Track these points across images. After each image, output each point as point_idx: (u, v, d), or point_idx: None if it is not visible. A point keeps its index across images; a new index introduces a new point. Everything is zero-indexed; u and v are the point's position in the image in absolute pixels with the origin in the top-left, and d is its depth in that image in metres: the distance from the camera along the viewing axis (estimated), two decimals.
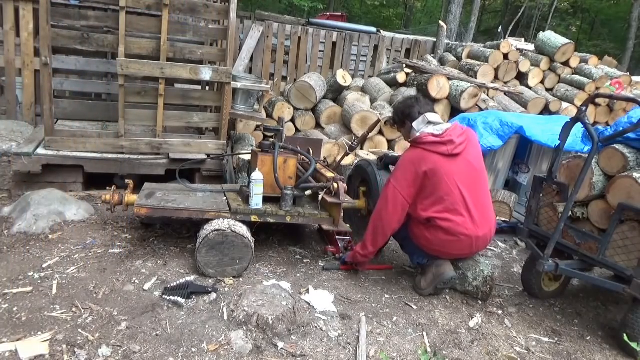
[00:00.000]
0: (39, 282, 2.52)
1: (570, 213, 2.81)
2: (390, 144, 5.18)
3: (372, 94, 5.92)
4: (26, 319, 2.19)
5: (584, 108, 2.69)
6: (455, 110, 5.43)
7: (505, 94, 5.91)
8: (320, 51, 7.07)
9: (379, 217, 2.82)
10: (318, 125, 5.56)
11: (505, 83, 6.24)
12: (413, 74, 5.96)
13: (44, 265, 2.69)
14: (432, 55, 7.32)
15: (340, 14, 14.74)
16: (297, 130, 5.44)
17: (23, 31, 5.05)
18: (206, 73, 3.92)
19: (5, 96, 5.37)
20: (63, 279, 2.57)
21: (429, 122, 2.79)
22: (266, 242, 3.32)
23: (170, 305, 2.42)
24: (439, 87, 5.37)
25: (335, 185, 2.97)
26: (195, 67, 3.88)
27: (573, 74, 6.46)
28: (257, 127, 5.08)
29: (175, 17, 4.35)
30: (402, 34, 9.65)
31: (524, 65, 6.32)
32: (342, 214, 3.08)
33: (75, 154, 3.81)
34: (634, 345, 2.00)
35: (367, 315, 2.59)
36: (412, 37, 8.28)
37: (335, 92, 5.91)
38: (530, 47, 6.89)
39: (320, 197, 3.14)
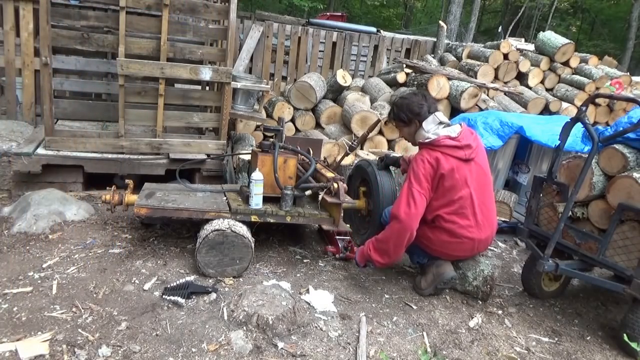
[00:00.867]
0: (39, 282, 2.52)
1: (570, 213, 2.81)
2: (390, 144, 5.18)
3: (372, 94, 5.91)
4: (26, 319, 2.19)
5: (584, 108, 2.69)
6: (455, 110, 5.43)
7: (505, 94, 5.91)
8: (320, 51, 7.07)
9: (407, 223, 2.59)
10: (318, 125, 5.56)
11: (505, 83, 6.24)
12: (413, 74, 5.95)
13: (44, 265, 2.69)
14: (432, 55, 7.32)
15: (340, 14, 14.74)
16: (297, 130, 5.44)
17: (23, 31, 5.05)
18: (206, 73, 3.92)
19: (5, 96, 5.37)
20: (63, 279, 2.57)
21: (440, 123, 2.73)
22: (266, 242, 3.32)
23: (170, 305, 2.42)
24: (439, 87, 5.37)
25: (335, 185, 2.97)
26: (195, 67, 3.88)
27: (573, 74, 6.46)
28: (257, 127, 5.08)
29: (175, 17, 4.35)
30: (402, 34, 9.65)
31: (524, 65, 6.32)
32: (342, 214, 3.07)
33: (75, 154, 3.81)
34: (634, 345, 2.00)
35: (367, 315, 2.59)
36: (412, 37, 8.28)
37: (335, 92, 5.91)
38: (530, 47, 6.89)
39: (320, 197, 3.14)
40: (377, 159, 3.53)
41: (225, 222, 2.78)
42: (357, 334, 2.40)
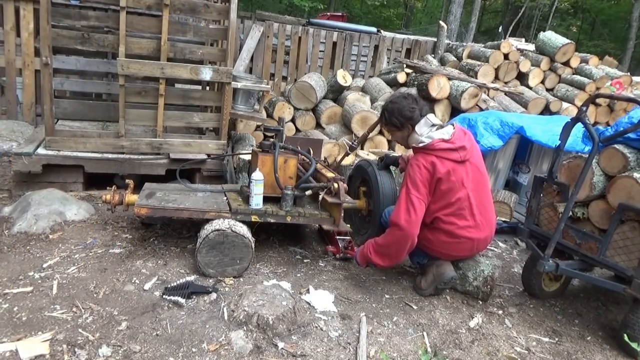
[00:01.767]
0: (40, 282, 2.52)
1: (570, 213, 2.81)
2: (391, 144, 5.18)
3: (372, 94, 5.91)
4: (26, 319, 2.19)
5: (584, 108, 2.69)
6: (455, 110, 5.43)
7: (505, 94, 5.91)
8: (320, 51, 7.07)
9: (408, 231, 2.59)
10: (318, 125, 5.56)
11: (506, 83, 6.23)
12: (413, 74, 5.96)
13: (45, 265, 2.69)
14: (433, 55, 7.32)
15: (340, 14, 14.73)
16: (297, 130, 5.44)
17: (23, 31, 5.05)
18: (206, 73, 3.92)
19: (6, 96, 5.38)
20: (63, 278, 2.57)
21: (433, 125, 2.73)
22: (266, 242, 3.32)
23: (170, 305, 2.43)
24: (439, 87, 5.37)
25: (336, 185, 2.97)
26: (195, 67, 3.88)
27: (573, 74, 6.45)
28: (258, 127, 5.08)
29: (176, 17, 4.36)
30: (402, 34, 9.65)
31: (525, 66, 6.32)
32: (342, 214, 3.07)
33: (75, 153, 3.82)
34: (634, 345, 2.00)
35: (368, 315, 2.59)
36: (412, 37, 8.28)
37: (336, 92, 5.91)
38: (531, 47, 6.88)
39: (320, 197, 3.15)
40: (378, 159, 3.53)
41: (226, 222, 2.78)
42: (357, 334, 2.39)
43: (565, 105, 6.04)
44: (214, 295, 2.54)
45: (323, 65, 7.12)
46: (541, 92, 6.21)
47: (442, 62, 6.96)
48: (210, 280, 2.72)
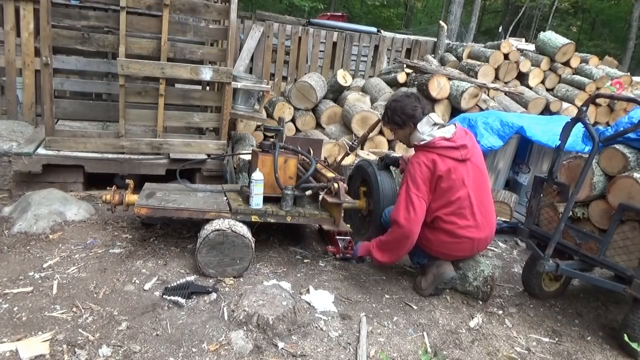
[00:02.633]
0: (40, 282, 2.52)
1: (570, 213, 2.81)
2: (391, 144, 5.18)
3: (372, 94, 5.91)
4: (27, 319, 2.19)
5: (584, 108, 2.69)
6: (455, 110, 5.43)
7: (505, 94, 5.91)
8: (320, 51, 7.07)
9: (408, 229, 2.62)
10: (318, 125, 5.56)
11: (506, 83, 6.23)
12: (413, 74, 5.95)
13: (45, 265, 2.69)
14: (433, 55, 7.32)
15: (340, 14, 14.74)
16: (297, 130, 5.44)
17: (23, 31, 5.05)
18: (206, 73, 3.92)
19: (6, 96, 5.38)
20: (63, 278, 2.57)
21: (435, 124, 2.74)
22: (266, 242, 3.32)
23: (170, 305, 2.43)
24: (439, 87, 5.37)
25: (336, 185, 2.97)
26: (195, 67, 3.88)
27: (573, 74, 6.45)
28: (258, 127, 5.08)
29: (176, 17, 4.35)
30: (402, 34, 9.65)
31: (525, 66, 6.32)
32: (342, 214, 3.07)
33: (75, 153, 3.82)
34: (634, 345, 2.00)
35: (368, 315, 2.59)
36: (412, 37, 8.28)
37: (336, 92, 5.91)
38: (531, 47, 6.88)
39: (320, 197, 3.15)
40: (378, 159, 3.53)
41: (226, 222, 2.78)
42: (357, 334, 2.39)
43: (565, 105, 6.04)
44: (214, 295, 2.54)
45: (323, 65, 7.12)
46: (541, 92, 6.21)
47: (442, 62, 6.96)
48: (210, 280, 2.72)
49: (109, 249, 2.98)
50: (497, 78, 6.20)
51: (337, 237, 3.38)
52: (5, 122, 5.12)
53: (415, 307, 2.76)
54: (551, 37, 6.51)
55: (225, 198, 3.14)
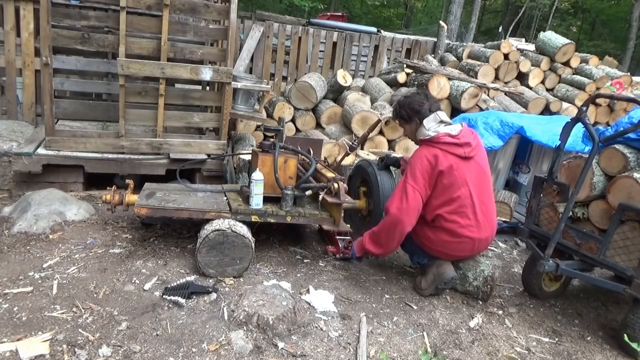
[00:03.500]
0: (40, 282, 2.52)
1: (570, 213, 2.81)
2: (391, 144, 5.17)
3: (372, 94, 5.91)
4: (26, 319, 2.19)
5: (584, 108, 2.69)
6: (455, 110, 5.43)
7: (505, 94, 5.91)
8: (320, 51, 7.07)
9: (397, 218, 2.66)
10: (318, 125, 5.56)
11: (506, 83, 6.23)
12: (413, 74, 5.96)
13: (45, 265, 2.69)
14: (433, 55, 7.32)
15: (340, 14, 14.72)
16: (297, 130, 5.44)
17: (24, 31, 5.05)
18: (206, 73, 3.93)
19: (6, 96, 5.38)
20: (63, 278, 2.57)
21: (441, 121, 2.76)
22: (266, 242, 3.32)
23: (170, 305, 2.42)
24: (439, 87, 5.37)
25: (336, 185, 2.97)
26: (195, 67, 3.88)
27: (573, 74, 6.45)
28: (258, 127, 5.08)
29: (176, 17, 4.36)
30: (402, 34, 9.64)
31: (525, 66, 6.32)
32: (342, 214, 3.07)
33: (75, 153, 3.82)
34: (634, 345, 2.00)
35: (368, 315, 2.59)
36: (412, 37, 8.28)
37: (336, 92, 5.91)
38: (531, 47, 6.88)
39: (320, 197, 3.14)
40: (378, 159, 3.53)
41: (226, 222, 2.78)
42: (357, 334, 2.39)
43: (565, 105, 6.04)
44: (214, 295, 2.54)
45: (323, 65, 7.12)
46: (541, 92, 6.21)
47: (442, 62, 6.96)
48: (210, 280, 2.72)
49: (109, 249, 2.98)
50: (497, 78, 6.20)
51: (337, 237, 3.38)
52: (5, 122, 5.12)
53: (415, 307, 2.76)
54: (551, 37, 6.51)
55: (225, 198, 3.14)
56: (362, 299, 2.78)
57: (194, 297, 2.51)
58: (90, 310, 2.31)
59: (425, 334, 2.50)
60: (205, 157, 4.11)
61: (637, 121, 2.71)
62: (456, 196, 2.67)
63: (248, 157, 3.81)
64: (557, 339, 2.66)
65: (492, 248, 3.90)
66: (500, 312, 2.86)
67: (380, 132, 5.12)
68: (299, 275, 2.96)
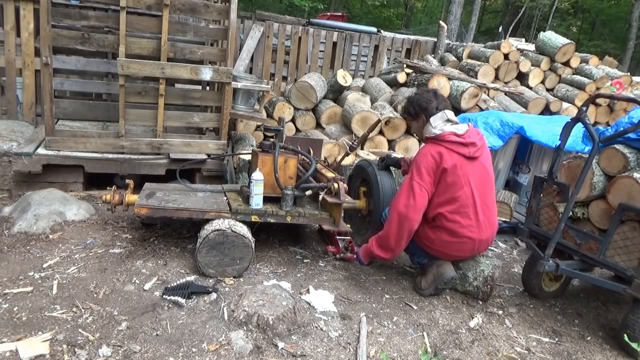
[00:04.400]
0: (40, 282, 2.52)
1: (570, 213, 2.81)
2: (391, 144, 5.18)
3: (372, 94, 5.91)
4: (26, 319, 2.19)
5: (584, 108, 2.69)
6: (455, 111, 5.38)
7: (505, 94, 5.91)
8: (320, 51, 7.07)
9: (405, 215, 2.64)
10: (318, 125, 5.56)
11: (506, 83, 6.23)
12: (413, 74, 5.95)
13: (45, 265, 2.69)
14: (433, 56, 7.32)
15: (340, 14, 14.73)
16: (297, 130, 5.44)
17: (23, 31, 5.05)
18: (206, 73, 3.93)
19: (6, 96, 5.38)
20: (63, 278, 2.57)
21: (448, 120, 2.76)
22: (266, 242, 3.32)
23: (170, 305, 2.42)
24: (439, 87, 5.36)
25: (336, 185, 2.97)
26: (195, 67, 3.88)
27: (573, 74, 6.45)
28: (258, 127, 5.08)
29: (176, 17, 4.35)
30: (402, 34, 9.65)
31: (525, 66, 6.32)
32: (342, 214, 3.07)
33: (75, 154, 3.82)
34: (634, 345, 2.00)
35: (368, 315, 2.59)
36: (412, 37, 8.28)
37: (336, 92, 5.91)
38: (531, 47, 6.88)
39: (320, 197, 3.14)
40: (378, 159, 3.53)
41: (226, 222, 2.78)
42: (357, 334, 2.39)
43: (565, 105, 6.04)
44: (214, 295, 2.54)
45: (323, 65, 7.12)
46: (541, 92, 6.21)
47: (442, 62, 6.96)
48: (210, 280, 2.72)
49: (109, 249, 2.98)
50: (497, 78, 6.20)
51: (337, 237, 3.38)
52: (5, 122, 5.12)
53: (415, 307, 2.76)
54: (551, 37, 6.51)
55: (225, 198, 3.14)
56: (362, 299, 2.78)
57: (194, 297, 2.51)
58: (90, 310, 2.31)
59: (425, 334, 2.50)
60: (205, 157, 4.11)
61: (637, 121, 2.71)
62: (458, 195, 2.67)
63: (248, 157, 3.81)
64: (557, 339, 2.66)
65: (492, 248, 3.90)
66: (500, 312, 2.86)
67: (380, 132, 5.12)
68: (299, 275, 2.96)
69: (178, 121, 4.17)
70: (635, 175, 2.60)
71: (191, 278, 2.69)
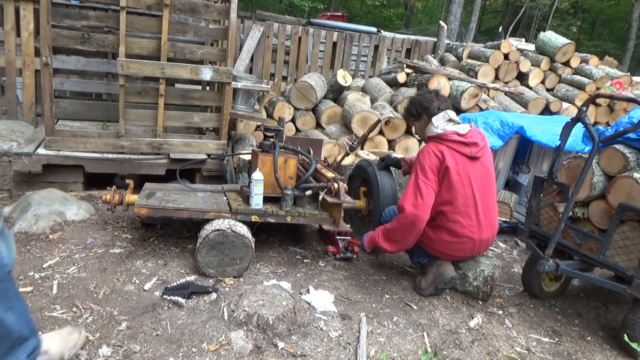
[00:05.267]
0: (40, 281, 2.52)
1: (570, 213, 2.81)
2: (391, 144, 5.18)
3: (372, 94, 5.91)
4: None
5: (584, 108, 2.69)
6: (455, 111, 5.35)
7: (505, 94, 5.91)
8: (320, 51, 7.07)
9: (414, 215, 2.61)
10: (318, 125, 5.56)
11: (506, 83, 6.23)
12: (413, 74, 5.95)
13: (45, 265, 2.69)
14: (433, 55, 7.32)
15: (340, 14, 14.73)
16: (297, 130, 5.44)
17: (24, 31, 5.05)
18: (207, 73, 3.93)
19: (6, 96, 5.38)
20: (63, 278, 2.57)
21: (450, 120, 2.77)
22: (266, 242, 3.32)
23: (170, 305, 2.42)
24: (439, 87, 5.36)
25: (336, 185, 2.97)
26: (195, 67, 3.88)
27: (573, 74, 6.45)
28: (258, 127, 5.08)
29: (176, 17, 4.35)
30: (402, 34, 9.65)
31: (525, 66, 6.32)
32: (342, 214, 3.07)
33: (75, 153, 3.82)
34: (634, 345, 2.00)
35: (368, 315, 2.59)
36: (412, 37, 8.28)
37: (336, 92, 5.91)
38: (531, 47, 6.88)
39: (320, 197, 3.15)
40: (378, 159, 3.54)
41: (226, 222, 2.78)
42: (357, 334, 2.39)
43: (565, 105, 6.04)
44: (214, 295, 2.54)
45: (323, 65, 7.12)
46: (541, 92, 6.21)
47: (442, 62, 6.96)
48: (210, 280, 2.72)
49: (109, 249, 2.98)
50: (497, 78, 6.20)
51: (337, 237, 3.38)
52: (5, 122, 5.12)
53: (415, 307, 2.76)
54: (551, 37, 6.51)
55: (225, 198, 3.14)
56: (362, 299, 2.78)
57: (194, 297, 2.51)
58: (90, 310, 2.31)
59: (425, 334, 2.50)
60: (205, 157, 4.11)
61: (637, 121, 2.71)
62: (459, 195, 2.67)
63: (248, 157, 3.81)
64: (557, 339, 2.66)
65: (492, 248, 3.90)
66: (500, 312, 2.86)
67: (380, 132, 5.12)
68: (299, 275, 2.96)
69: (178, 121, 4.17)
70: (635, 175, 2.60)
71: (191, 278, 2.69)
